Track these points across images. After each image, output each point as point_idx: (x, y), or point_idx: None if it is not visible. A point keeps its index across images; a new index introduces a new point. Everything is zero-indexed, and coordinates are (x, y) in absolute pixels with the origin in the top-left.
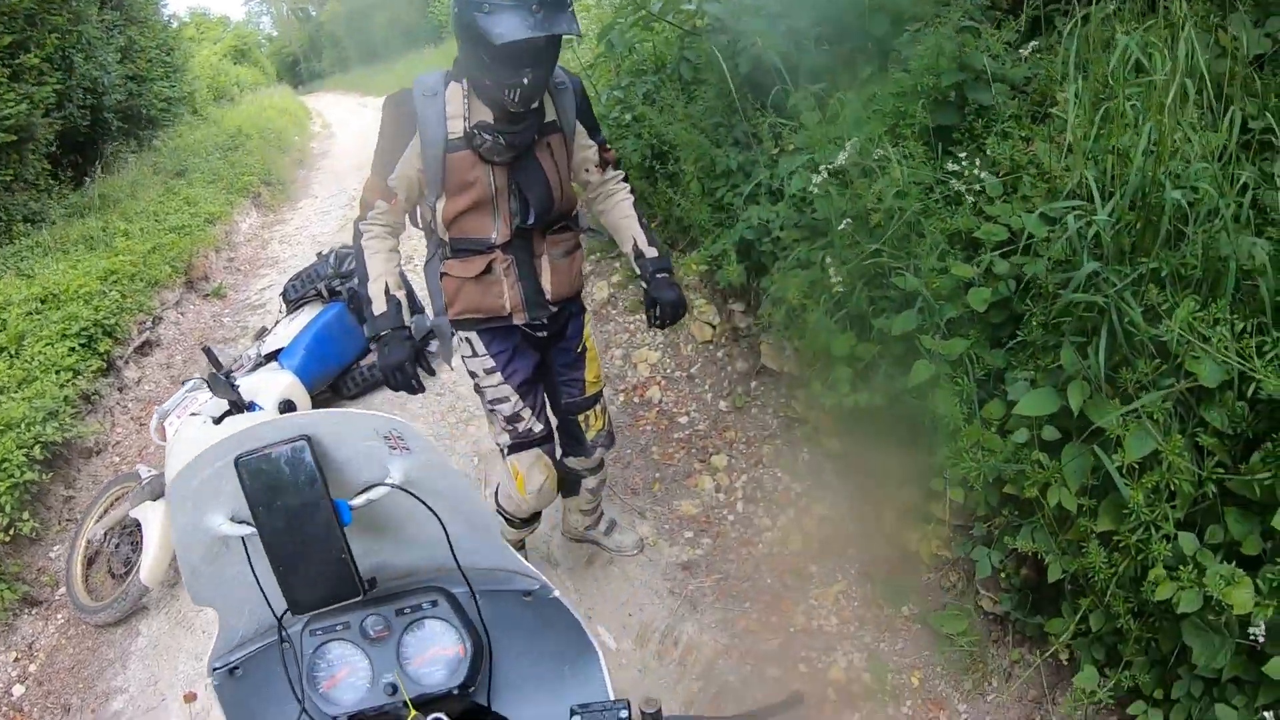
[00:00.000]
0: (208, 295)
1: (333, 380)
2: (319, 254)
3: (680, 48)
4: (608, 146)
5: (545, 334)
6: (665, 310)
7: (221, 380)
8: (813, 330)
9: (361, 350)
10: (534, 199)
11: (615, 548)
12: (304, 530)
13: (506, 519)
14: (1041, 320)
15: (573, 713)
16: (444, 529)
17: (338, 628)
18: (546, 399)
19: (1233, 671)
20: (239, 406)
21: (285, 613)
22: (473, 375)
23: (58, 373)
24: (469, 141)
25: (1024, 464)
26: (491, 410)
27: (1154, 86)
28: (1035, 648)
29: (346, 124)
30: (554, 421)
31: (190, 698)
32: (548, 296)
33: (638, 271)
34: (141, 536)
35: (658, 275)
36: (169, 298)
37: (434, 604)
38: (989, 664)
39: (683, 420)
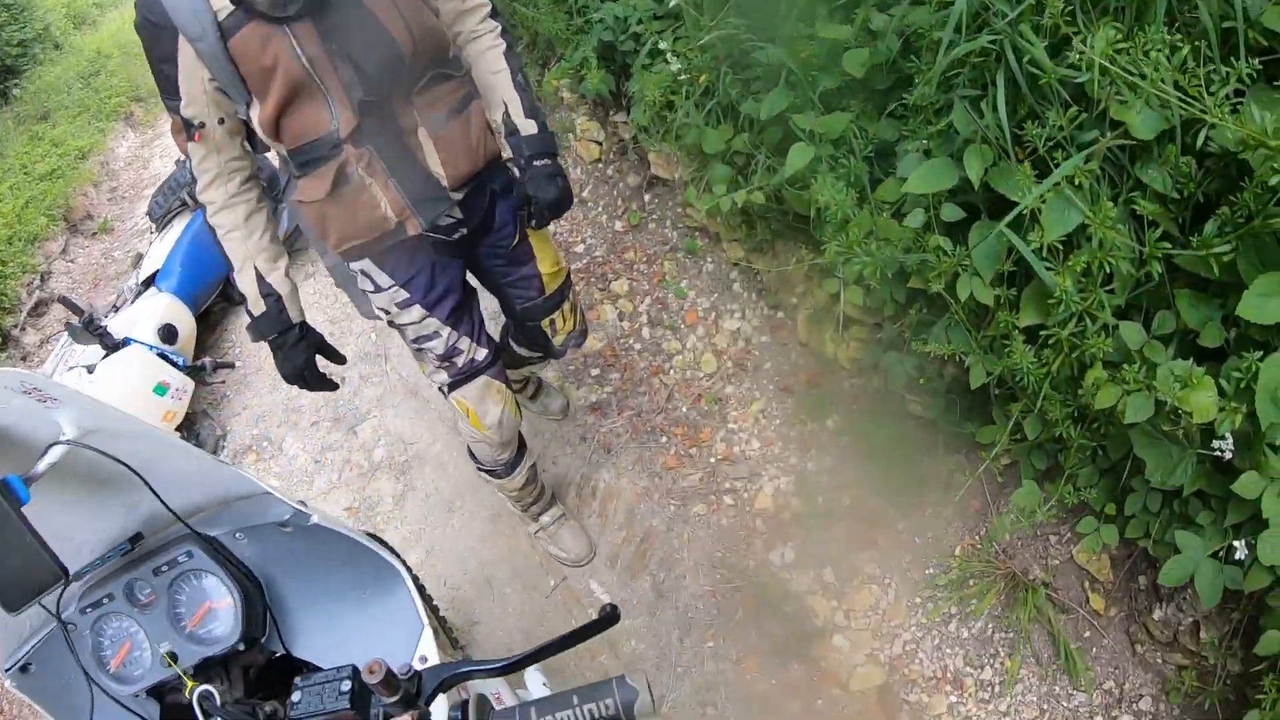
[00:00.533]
0: (95, 234)
1: (222, 288)
2: (177, 161)
3: None
4: None
5: (464, 231)
6: (542, 211)
7: (78, 328)
8: (681, 127)
9: None
10: (366, 55)
11: (540, 411)
12: None
13: (489, 473)
14: (929, 78)
15: (295, 687)
16: (139, 476)
17: (104, 600)
18: (483, 315)
19: (1195, 486)
20: (112, 347)
21: (56, 594)
22: (384, 314)
23: None
24: (245, 11)
25: (927, 253)
26: (419, 350)
27: None
28: (971, 456)
29: None
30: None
31: None
32: (443, 182)
33: (507, 152)
34: None
35: (535, 163)
36: (53, 249)
37: (189, 555)
38: (923, 473)
39: (579, 249)
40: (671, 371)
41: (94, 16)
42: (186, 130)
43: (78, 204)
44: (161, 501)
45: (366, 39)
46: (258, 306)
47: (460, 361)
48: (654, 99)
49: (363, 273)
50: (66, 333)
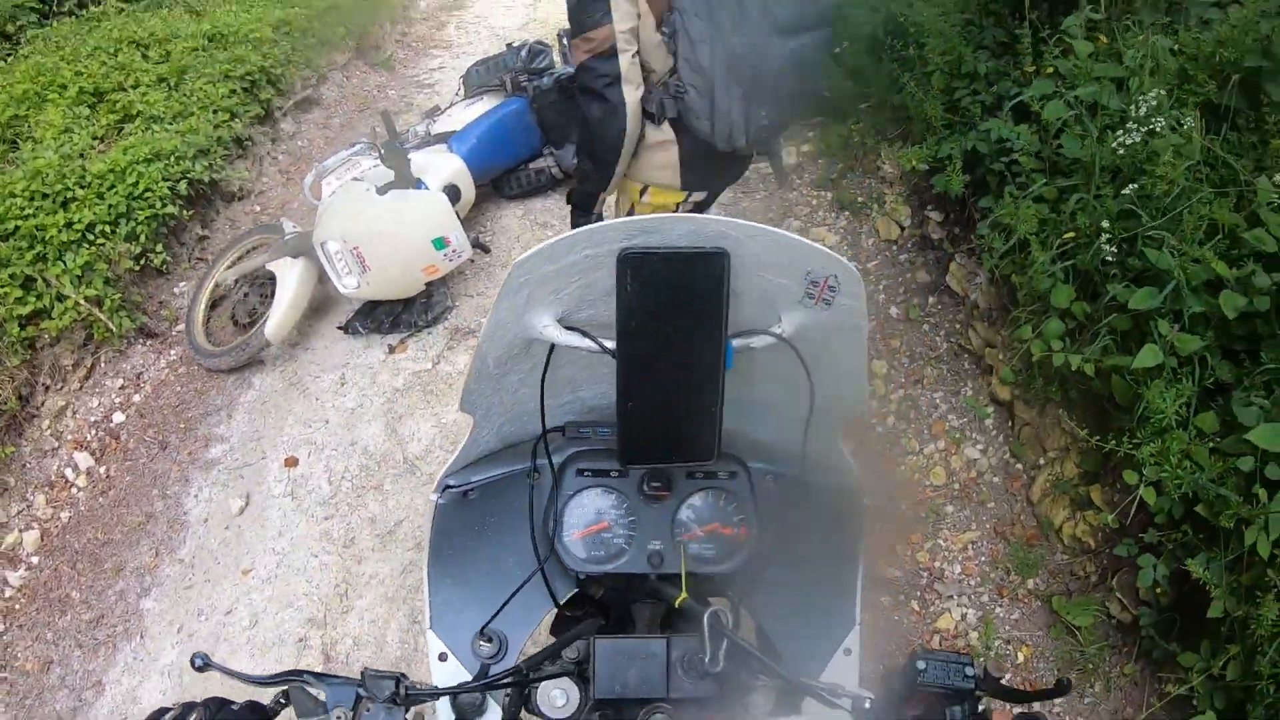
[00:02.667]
0: (376, 64)
1: (496, 177)
2: (509, 45)
3: None
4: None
5: None
6: None
7: (397, 149)
8: (1035, 271)
9: (532, 152)
10: None
11: None
12: (681, 365)
13: None
14: None
15: (916, 658)
16: (811, 413)
17: (611, 473)
18: None
19: None
20: (404, 181)
21: (541, 441)
22: None
23: (215, 112)
24: None
25: (1228, 490)
26: None
27: None
28: (1150, 668)
29: None
30: None
31: (291, 462)
32: None
33: None
34: (273, 290)
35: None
36: (338, 59)
37: (733, 475)
38: (1098, 667)
39: None
40: (902, 468)
41: None
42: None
43: (372, 31)
44: (804, 440)
45: None
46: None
47: None
48: (1025, 233)
49: None
50: (378, 147)
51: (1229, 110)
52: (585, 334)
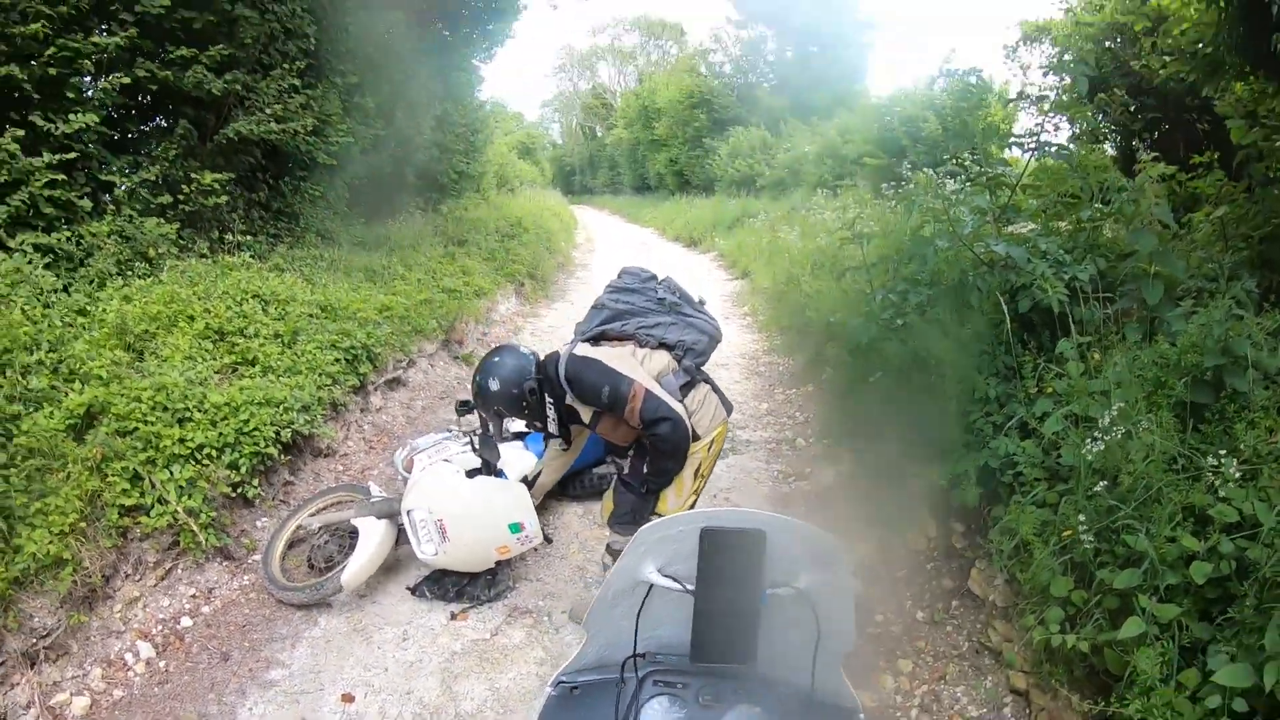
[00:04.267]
0: (458, 357)
1: (564, 478)
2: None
3: (970, 272)
4: (625, 410)
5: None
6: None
7: (492, 444)
8: (1036, 567)
9: (596, 459)
10: None
11: None
12: (734, 599)
13: None
14: (1253, 604)
15: None
16: (817, 644)
17: (678, 685)
18: None
19: None
20: (490, 470)
21: (631, 659)
22: None
23: (320, 374)
24: None
25: None
26: None
27: None
28: None
29: (609, 241)
30: None
31: (348, 698)
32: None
33: None
34: (352, 542)
35: (621, 480)
36: (427, 348)
37: (763, 695)
38: None
39: (878, 618)
40: None
41: (514, 186)
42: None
43: (458, 327)
44: (813, 670)
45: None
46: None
47: None
48: (1026, 535)
49: None
50: (473, 437)
51: (1195, 406)
52: (675, 579)
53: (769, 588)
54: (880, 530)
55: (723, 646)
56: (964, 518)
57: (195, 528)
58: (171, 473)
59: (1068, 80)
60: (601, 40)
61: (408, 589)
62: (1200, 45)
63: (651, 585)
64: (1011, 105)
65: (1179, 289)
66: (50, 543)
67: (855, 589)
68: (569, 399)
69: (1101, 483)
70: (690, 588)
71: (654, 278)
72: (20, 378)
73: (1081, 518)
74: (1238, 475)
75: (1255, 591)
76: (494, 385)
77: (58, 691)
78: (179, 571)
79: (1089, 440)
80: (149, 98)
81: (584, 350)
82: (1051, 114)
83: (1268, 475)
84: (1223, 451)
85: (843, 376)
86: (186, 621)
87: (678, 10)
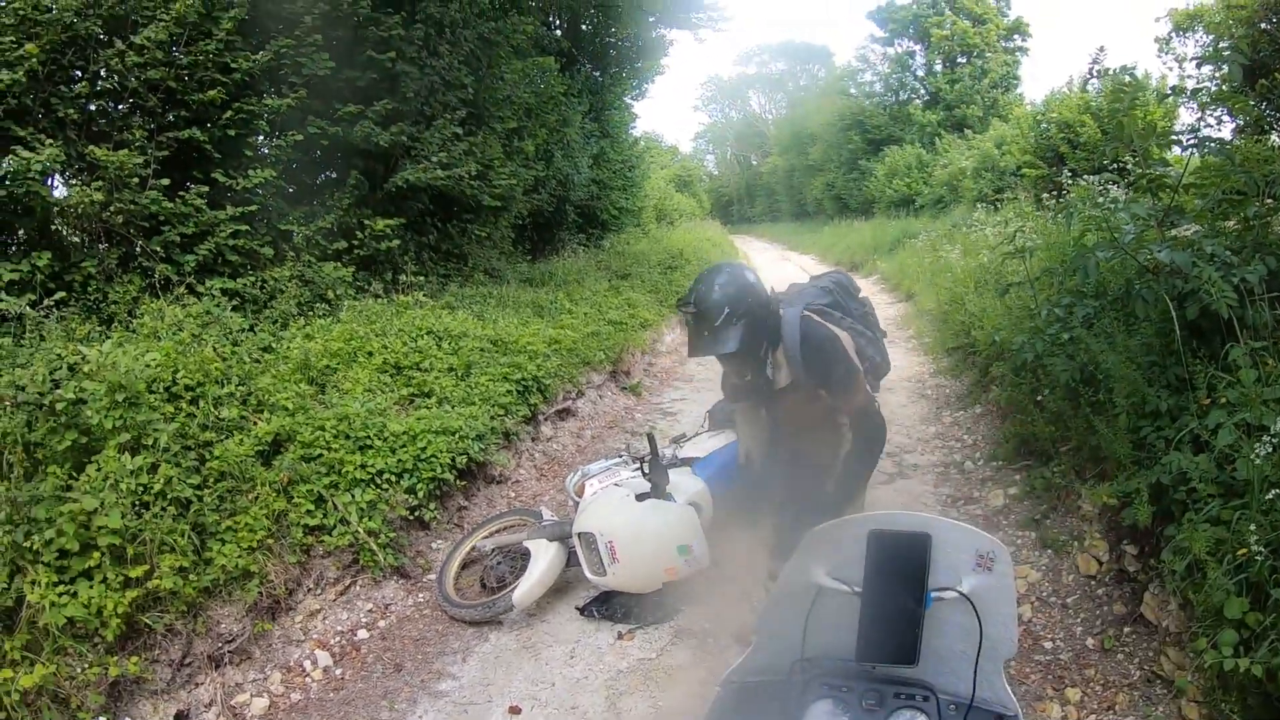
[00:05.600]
0: (625, 388)
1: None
2: None
3: (1134, 281)
4: (846, 396)
5: None
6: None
7: (662, 468)
8: (1210, 587)
9: None
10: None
11: None
12: (899, 600)
13: None
14: None
15: None
16: (979, 646)
17: (842, 689)
18: None
19: None
20: (660, 493)
21: (799, 662)
22: None
23: (492, 405)
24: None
25: None
26: None
27: None
28: None
29: (768, 271)
30: None
31: (515, 710)
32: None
33: None
34: (524, 564)
35: None
36: (595, 379)
37: (925, 699)
38: None
39: (1047, 645)
40: None
41: (673, 218)
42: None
43: (625, 359)
44: (974, 673)
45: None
46: None
47: None
48: (1199, 553)
49: None
50: (641, 462)
51: None
52: (843, 581)
53: (933, 590)
54: (1050, 554)
55: (887, 647)
56: (1136, 539)
57: (374, 547)
58: (353, 496)
59: (1224, 70)
60: (748, 69)
61: (576, 609)
62: None
63: (820, 590)
64: (1169, 100)
65: None
66: (239, 557)
67: (1014, 587)
68: (776, 356)
69: (1274, 491)
70: (858, 589)
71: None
72: (212, 408)
73: (1252, 527)
74: None
75: None
76: (751, 291)
77: (239, 693)
78: (357, 588)
79: (1260, 447)
80: (320, 152)
81: (816, 319)
82: (1211, 106)
83: None
84: None
85: (1010, 396)
86: (363, 634)
87: (822, 33)
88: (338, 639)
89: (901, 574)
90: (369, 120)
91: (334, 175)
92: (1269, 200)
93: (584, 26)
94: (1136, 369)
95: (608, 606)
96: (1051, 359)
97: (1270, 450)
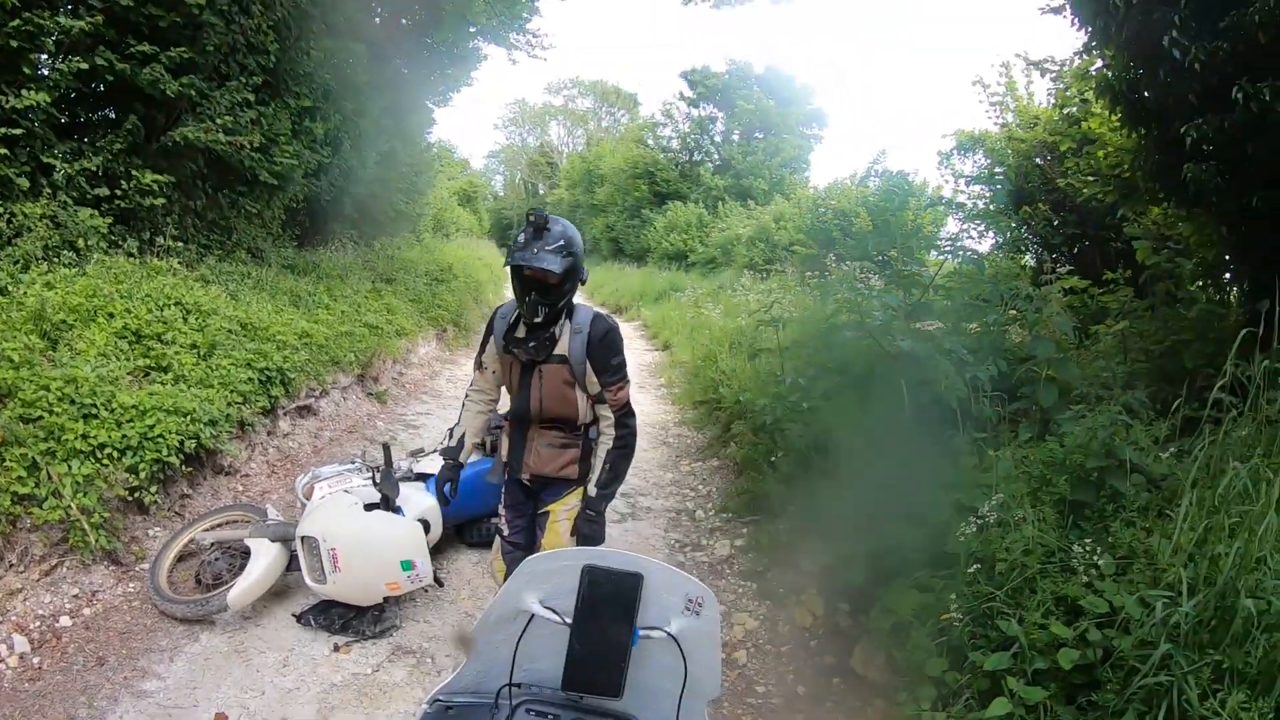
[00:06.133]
0: (371, 394)
1: (461, 523)
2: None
3: (876, 364)
4: (616, 388)
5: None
6: (578, 539)
7: (394, 480)
8: (913, 646)
9: (492, 508)
10: (520, 400)
11: None
12: (608, 635)
13: None
14: (1116, 688)
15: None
16: (684, 685)
17: (548, 716)
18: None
19: None
20: (389, 505)
21: (506, 687)
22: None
23: (231, 391)
24: (506, 347)
25: None
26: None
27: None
28: None
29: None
30: None
31: (221, 718)
32: (524, 468)
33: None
34: (243, 562)
35: (586, 510)
36: (342, 380)
37: None
38: None
39: (760, 689)
40: None
41: (450, 231)
42: (479, 367)
43: (376, 364)
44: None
45: (524, 392)
46: (451, 442)
47: (505, 534)
48: (905, 615)
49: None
50: (375, 472)
51: (1076, 504)
52: (554, 611)
53: (642, 628)
54: (769, 604)
55: (594, 679)
56: (850, 597)
57: (87, 526)
58: (70, 467)
59: (993, 190)
60: (555, 100)
61: (293, 616)
62: (1120, 169)
63: (532, 616)
64: (938, 210)
65: (1074, 394)
66: None
67: (719, 634)
68: (565, 324)
69: (974, 565)
70: (569, 621)
71: None
72: None
73: (953, 596)
74: (1111, 569)
75: (1118, 677)
76: (579, 248)
77: None
78: (64, 569)
79: (968, 525)
80: (103, 87)
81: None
82: (975, 221)
83: (1137, 570)
84: (1090, 543)
85: (747, 453)
86: (66, 621)
87: (634, 80)
88: (38, 624)
89: (612, 610)
90: (161, 64)
91: (111, 114)
92: (1011, 311)
93: (404, 21)
94: (866, 444)
95: (326, 616)
96: (790, 424)
97: (975, 530)
